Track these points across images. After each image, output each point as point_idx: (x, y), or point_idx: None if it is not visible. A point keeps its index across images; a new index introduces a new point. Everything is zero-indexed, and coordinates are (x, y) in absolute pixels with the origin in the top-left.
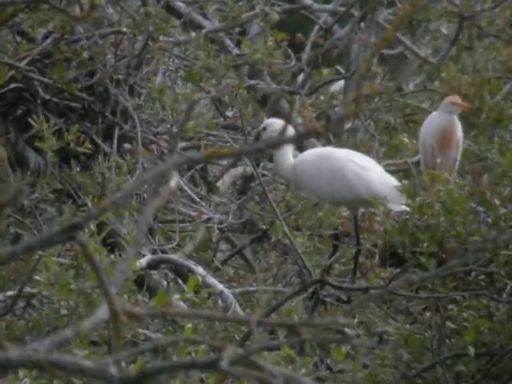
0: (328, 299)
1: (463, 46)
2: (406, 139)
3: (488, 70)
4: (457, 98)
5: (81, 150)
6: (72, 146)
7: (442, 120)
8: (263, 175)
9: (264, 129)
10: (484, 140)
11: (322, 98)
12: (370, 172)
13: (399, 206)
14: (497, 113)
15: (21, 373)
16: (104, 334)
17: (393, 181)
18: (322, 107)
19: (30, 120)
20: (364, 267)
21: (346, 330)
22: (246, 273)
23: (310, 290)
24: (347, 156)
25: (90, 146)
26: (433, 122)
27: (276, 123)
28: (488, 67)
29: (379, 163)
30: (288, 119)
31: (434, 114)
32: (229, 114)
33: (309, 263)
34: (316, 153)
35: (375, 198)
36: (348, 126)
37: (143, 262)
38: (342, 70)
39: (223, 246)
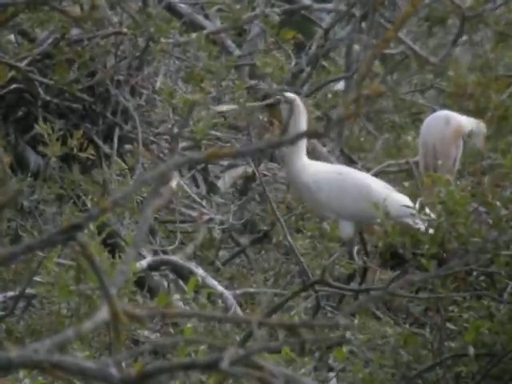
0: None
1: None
2: (409, 138)
3: (497, 68)
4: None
5: (84, 155)
6: (75, 151)
7: (452, 124)
8: (264, 175)
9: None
10: (489, 140)
11: (329, 95)
12: (393, 193)
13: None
14: (502, 111)
15: (21, 373)
16: (105, 340)
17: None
18: (324, 107)
19: (35, 125)
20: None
21: (347, 333)
22: (247, 272)
23: (312, 295)
24: (366, 175)
25: (92, 152)
26: (435, 122)
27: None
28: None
29: (380, 163)
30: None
31: (436, 113)
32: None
33: (309, 266)
34: (332, 170)
35: (402, 217)
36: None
37: (144, 263)
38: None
39: (225, 245)
